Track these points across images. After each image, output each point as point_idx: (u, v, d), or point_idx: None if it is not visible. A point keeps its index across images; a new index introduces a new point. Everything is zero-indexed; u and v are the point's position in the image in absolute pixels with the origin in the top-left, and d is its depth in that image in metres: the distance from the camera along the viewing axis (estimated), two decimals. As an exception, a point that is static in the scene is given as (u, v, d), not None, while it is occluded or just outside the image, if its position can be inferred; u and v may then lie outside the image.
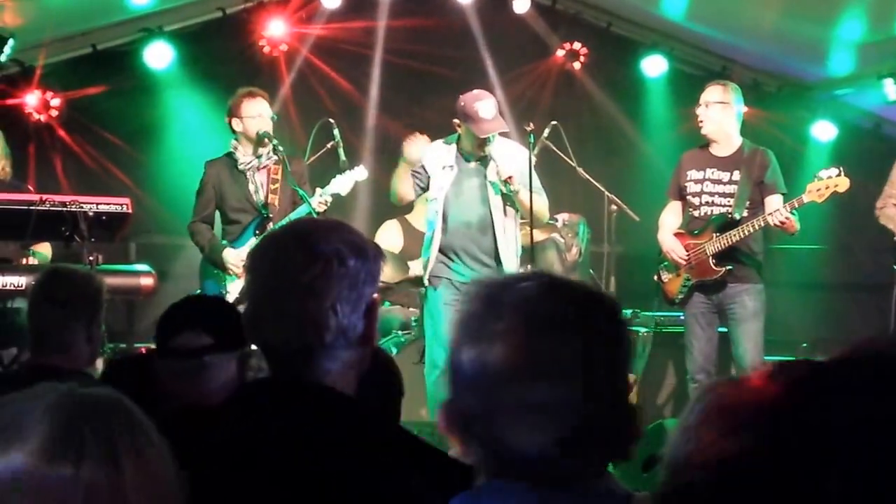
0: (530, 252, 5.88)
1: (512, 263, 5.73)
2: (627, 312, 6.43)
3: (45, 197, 5.18)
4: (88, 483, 1.07)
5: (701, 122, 5.83)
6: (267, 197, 5.91)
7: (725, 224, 5.71)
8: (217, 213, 6.03)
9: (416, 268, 6.53)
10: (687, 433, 1.01)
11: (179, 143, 8.03)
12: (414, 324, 6.72)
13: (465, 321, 1.43)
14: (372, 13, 8.33)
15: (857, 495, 0.76)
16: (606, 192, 6.91)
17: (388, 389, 2.89)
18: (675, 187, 6.00)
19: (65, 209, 5.09)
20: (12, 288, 5.10)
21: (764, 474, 0.81)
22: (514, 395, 1.35)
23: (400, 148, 6.79)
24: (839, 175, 5.49)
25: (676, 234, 5.92)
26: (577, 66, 8.71)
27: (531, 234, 5.76)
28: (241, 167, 5.93)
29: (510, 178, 5.61)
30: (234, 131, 5.96)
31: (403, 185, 6.10)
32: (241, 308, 2.03)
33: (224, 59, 8.20)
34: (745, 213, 5.69)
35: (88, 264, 4.95)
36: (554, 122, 6.77)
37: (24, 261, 5.61)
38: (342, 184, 6.01)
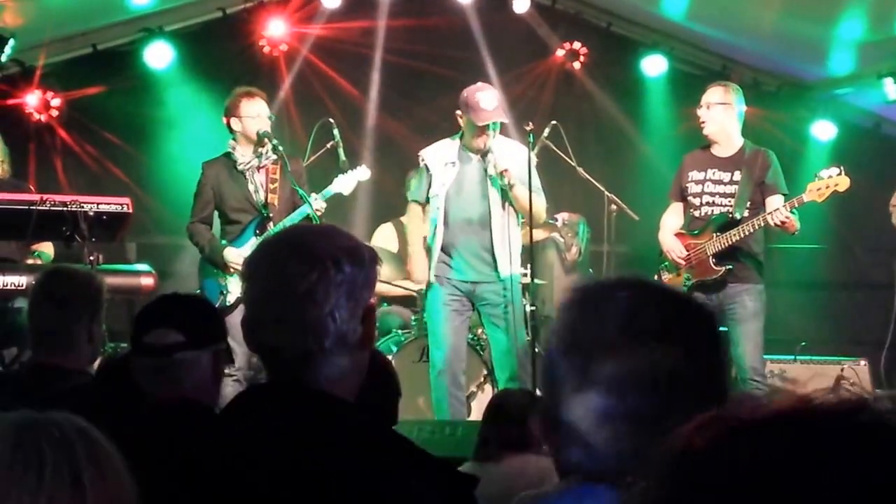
0: (530, 251, 5.87)
1: (505, 261, 5.67)
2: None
3: (45, 197, 5.18)
4: None
5: (702, 123, 5.82)
6: (267, 197, 5.90)
7: (726, 224, 5.70)
8: (216, 214, 6.01)
9: (412, 283, 6.51)
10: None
11: (179, 143, 8.03)
12: (414, 323, 6.72)
13: (564, 330, 1.43)
14: (372, 13, 8.33)
15: None
16: (606, 192, 6.91)
17: (386, 391, 2.90)
18: (676, 189, 6.00)
19: (65, 209, 5.09)
20: (13, 287, 5.09)
21: None
22: (614, 405, 1.36)
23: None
24: (839, 174, 5.49)
25: (677, 235, 5.92)
26: (577, 65, 8.72)
27: (530, 233, 5.75)
28: (240, 167, 5.91)
29: (505, 171, 5.59)
30: (231, 131, 5.94)
31: (420, 226, 6.04)
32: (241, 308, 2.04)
33: (224, 59, 8.21)
34: (745, 214, 5.69)
35: (89, 264, 4.95)
36: (554, 122, 6.78)
37: (27, 261, 5.61)
38: (345, 183, 6.00)
